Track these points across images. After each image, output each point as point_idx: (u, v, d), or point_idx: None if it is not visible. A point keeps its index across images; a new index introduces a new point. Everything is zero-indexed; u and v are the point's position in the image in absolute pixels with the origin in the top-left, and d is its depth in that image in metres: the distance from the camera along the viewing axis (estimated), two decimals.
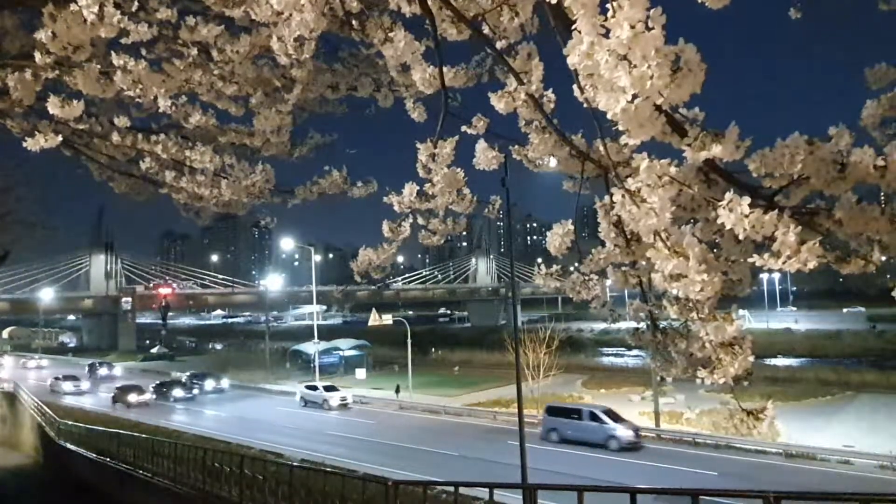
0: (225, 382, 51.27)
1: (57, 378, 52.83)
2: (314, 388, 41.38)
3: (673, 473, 23.08)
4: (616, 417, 28.60)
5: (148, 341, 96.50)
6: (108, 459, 22.95)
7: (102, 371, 62.97)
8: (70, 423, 29.80)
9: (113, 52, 3.58)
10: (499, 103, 3.02)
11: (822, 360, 61.01)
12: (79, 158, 5.46)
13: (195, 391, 47.22)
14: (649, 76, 1.85)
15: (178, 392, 45.94)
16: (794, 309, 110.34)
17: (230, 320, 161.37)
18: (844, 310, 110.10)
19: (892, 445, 25.56)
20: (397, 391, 41.40)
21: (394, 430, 32.54)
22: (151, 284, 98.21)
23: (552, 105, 3.07)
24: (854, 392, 40.68)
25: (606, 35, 1.90)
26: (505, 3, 2.92)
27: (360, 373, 54.25)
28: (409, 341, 46.71)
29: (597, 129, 2.64)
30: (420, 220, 3.46)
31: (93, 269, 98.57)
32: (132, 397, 44.17)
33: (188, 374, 53.06)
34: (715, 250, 2.63)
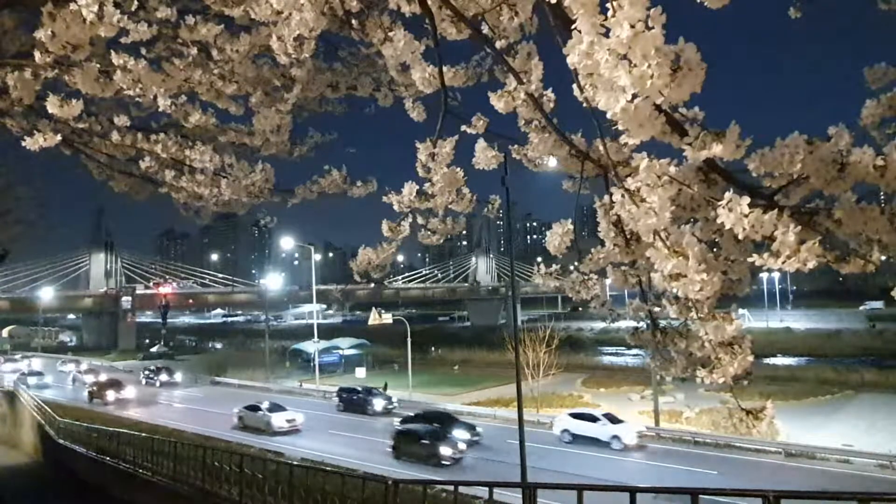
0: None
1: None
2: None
3: (672, 473, 23.11)
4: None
5: (148, 340, 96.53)
6: (107, 458, 22.96)
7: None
8: (70, 421, 29.82)
9: (112, 52, 3.58)
10: (498, 103, 3.02)
11: (822, 359, 61.05)
12: (78, 157, 5.46)
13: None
14: (649, 75, 1.85)
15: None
16: (789, 308, 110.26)
17: (230, 319, 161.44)
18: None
19: (891, 444, 25.62)
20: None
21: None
22: (151, 283, 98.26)
23: (552, 104, 3.07)
24: (853, 391, 40.72)
25: (606, 34, 1.90)
26: (504, 2, 2.92)
27: (360, 371, 54.31)
28: (408, 340, 46.76)
29: (596, 128, 2.64)
30: (420, 220, 3.46)
31: (92, 267, 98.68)
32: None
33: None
34: (714, 250, 2.64)
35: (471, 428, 28.83)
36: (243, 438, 29.82)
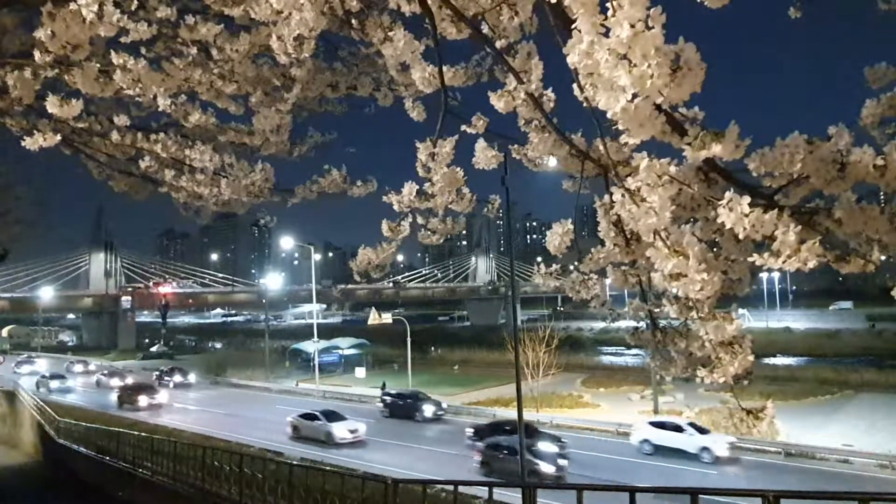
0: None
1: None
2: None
3: (672, 472, 23.11)
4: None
5: (147, 340, 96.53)
6: (107, 458, 22.96)
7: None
8: (70, 421, 29.82)
9: (112, 51, 3.57)
10: (498, 102, 3.02)
11: (821, 359, 61.08)
12: (78, 157, 5.45)
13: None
14: (649, 75, 1.85)
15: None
16: (788, 308, 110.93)
17: (230, 319, 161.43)
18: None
19: (891, 444, 25.62)
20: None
21: None
22: (151, 283, 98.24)
23: (552, 104, 3.06)
24: (853, 391, 40.74)
25: (606, 34, 1.89)
26: (504, 2, 2.92)
27: (360, 371, 54.33)
28: (408, 340, 46.77)
29: (596, 128, 2.64)
30: (419, 220, 3.46)
31: (92, 267, 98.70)
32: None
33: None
34: (714, 249, 2.64)
35: (556, 440, 25.99)
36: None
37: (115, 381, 50.41)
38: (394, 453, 27.36)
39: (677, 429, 26.16)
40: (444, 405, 36.16)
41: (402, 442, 29.81)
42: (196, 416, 37.94)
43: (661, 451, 25.86)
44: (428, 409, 35.04)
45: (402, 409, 35.79)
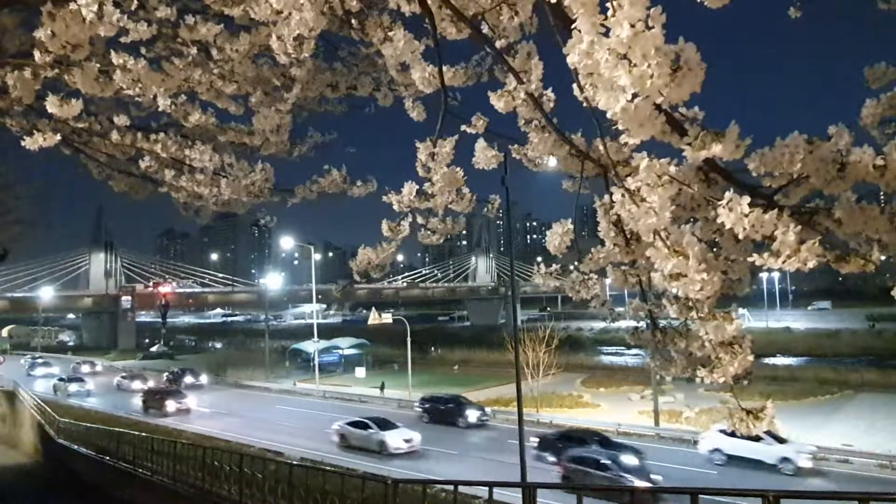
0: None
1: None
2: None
3: (672, 472, 23.11)
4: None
5: (147, 340, 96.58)
6: (107, 458, 22.96)
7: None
8: (69, 420, 29.82)
9: (112, 51, 3.57)
10: (498, 102, 3.02)
11: (821, 359, 61.10)
12: (78, 157, 5.45)
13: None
14: (649, 75, 1.85)
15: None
16: (788, 308, 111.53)
17: (230, 319, 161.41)
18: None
19: (891, 444, 25.63)
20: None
21: None
22: (151, 283, 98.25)
23: (552, 104, 3.06)
24: (853, 391, 40.76)
25: (606, 34, 1.89)
26: (504, 2, 2.92)
27: (360, 371, 54.37)
28: (408, 340, 46.78)
29: (596, 128, 2.64)
30: (419, 219, 3.46)
31: (92, 267, 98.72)
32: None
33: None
34: (714, 249, 2.63)
35: (636, 452, 24.27)
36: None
37: (137, 384, 49.34)
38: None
39: (754, 437, 22.58)
40: (489, 410, 34.56)
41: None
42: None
43: (734, 460, 24.35)
44: (472, 415, 33.40)
45: (444, 414, 34.17)
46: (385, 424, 28.88)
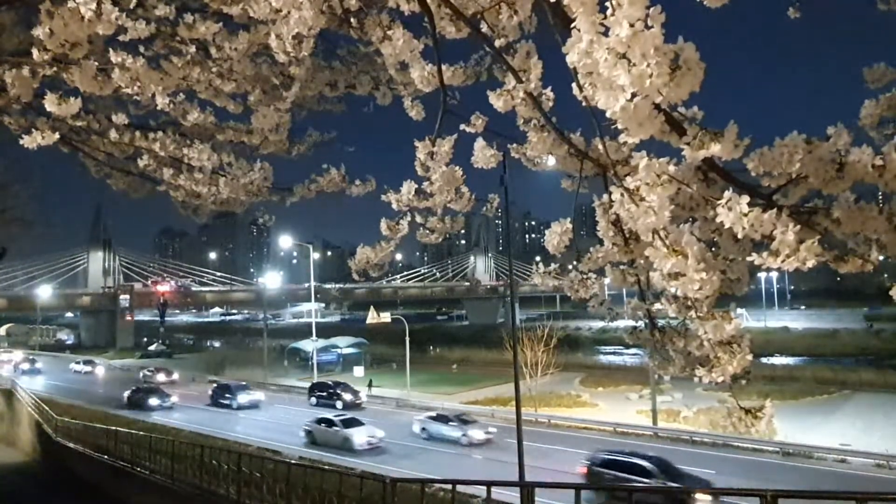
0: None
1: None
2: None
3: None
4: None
5: (146, 338, 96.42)
6: (105, 457, 22.93)
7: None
8: (67, 420, 29.78)
9: (111, 50, 3.57)
10: (497, 101, 3.02)
11: (820, 358, 61.15)
12: (76, 155, 5.45)
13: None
14: (648, 74, 1.85)
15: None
16: (787, 308, 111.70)
17: (228, 318, 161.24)
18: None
19: (888, 444, 25.67)
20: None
21: None
22: (149, 282, 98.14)
23: (551, 103, 3.06)
24: (851, 391, 40.81)
25: (605, 33, 1.89)
26: (503, 1, 2.92)
27: (358, 370, 54.38)
28: (407, 339, 46.76)
29: (595, 127, 2.64)
30: (418, 219, 3.46)
31: (91, 266, 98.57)
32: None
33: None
34: (713, 249, 2.63)
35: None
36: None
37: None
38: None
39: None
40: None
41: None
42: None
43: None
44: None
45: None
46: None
